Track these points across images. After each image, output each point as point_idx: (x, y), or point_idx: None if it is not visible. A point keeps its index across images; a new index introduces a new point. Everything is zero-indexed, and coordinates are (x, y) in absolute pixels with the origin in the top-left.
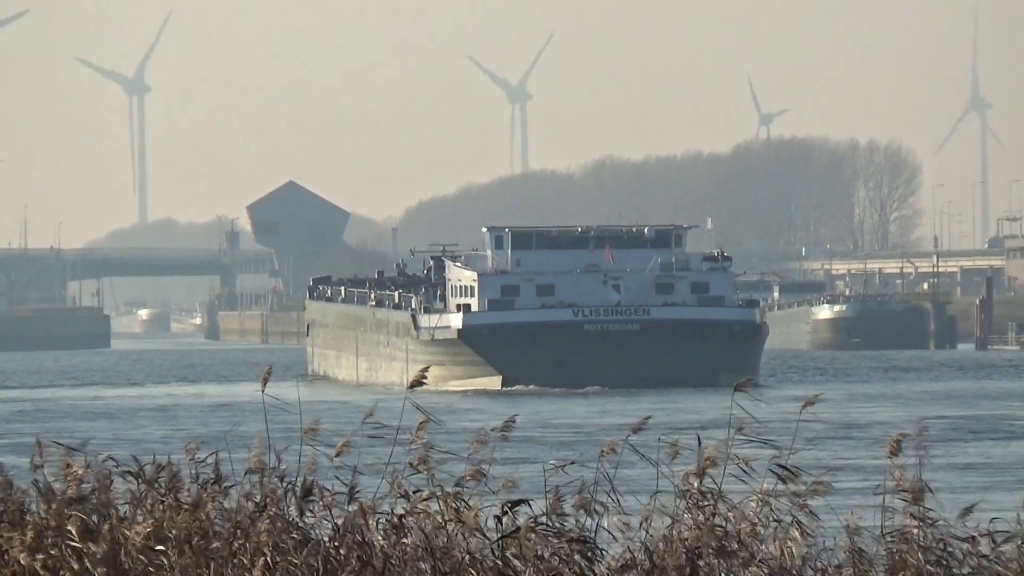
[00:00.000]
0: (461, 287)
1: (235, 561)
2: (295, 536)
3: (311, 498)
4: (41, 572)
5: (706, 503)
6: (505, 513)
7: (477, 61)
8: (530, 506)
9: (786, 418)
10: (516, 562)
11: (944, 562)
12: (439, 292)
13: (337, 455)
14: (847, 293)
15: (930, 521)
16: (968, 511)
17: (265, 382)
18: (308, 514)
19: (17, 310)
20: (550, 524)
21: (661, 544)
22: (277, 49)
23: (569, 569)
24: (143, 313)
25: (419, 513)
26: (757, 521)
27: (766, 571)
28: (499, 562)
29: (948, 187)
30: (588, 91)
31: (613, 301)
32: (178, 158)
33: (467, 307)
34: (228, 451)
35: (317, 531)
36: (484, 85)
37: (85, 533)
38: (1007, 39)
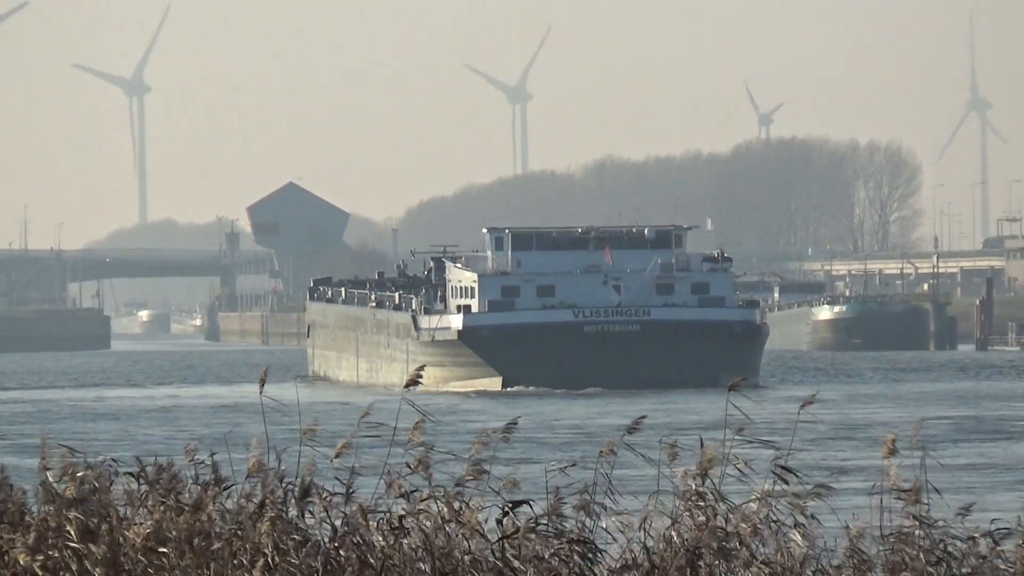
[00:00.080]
0: (461, 288)
1: (235, 562)
2: (295, 537)
3: (309, 499)
4: (41, 573)
5: (705, 504)
6: (506, 514)
7: (475, 68)
8: (531, 507)
9: (788, 418)
10: (516, 563)
11: (944, 562)
12: (439, 293)
13: (336, 456)
14: (847, 294)
15: (930, 521)
16: (968, 511)
17: (263, 383)
18: (308, 515)
19: (17, 311)
20: (550, 525)
21: (661, 544)
22: (277, 49)
23: (569, 570)
24: (143, 314)
25: (419, 513)
26: (757, 521)
27: (766, 572)
28: (499, 563)
29: (948, 187)
30: (588, 91)
31: (613, 302)
32: (178, 158)
33: (467, 308)
34: (228, 452)
35: (317, 532)
36: (484, 86)
37: (85, 534)
38: (1006, 39)
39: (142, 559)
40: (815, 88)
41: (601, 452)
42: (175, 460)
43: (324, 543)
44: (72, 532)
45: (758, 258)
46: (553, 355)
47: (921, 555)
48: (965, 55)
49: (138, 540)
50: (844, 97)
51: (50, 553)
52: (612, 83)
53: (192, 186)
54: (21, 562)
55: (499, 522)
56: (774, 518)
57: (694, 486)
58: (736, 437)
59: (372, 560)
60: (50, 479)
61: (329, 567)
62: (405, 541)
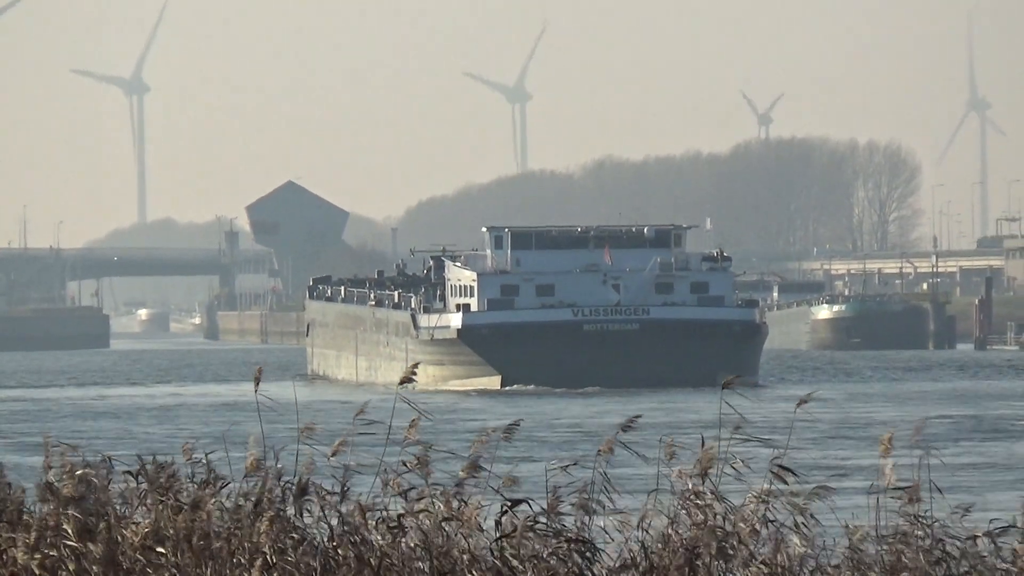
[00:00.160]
0: (461, 287)
1: (234, 561)
2: (294, 536)
3: (307, 497)
4: (39, 572)
5: (703, 503)
6: (505, 512)
7: (474, 74)
8: (530, 505)
9: (788, 417)
10: (515, 562)
11: (943, 562)
12: (439, 292)
13: (333, 454)
14: (846, 293)
15: (929, 521)
16: (967, 511)
17: (257, 382)
18: (306, 514)
19: (16, 310)
20: (548, 524)
21: (659, 544)
22: (277, 49)
23: (567, 569)
24: (142, 313)
25: (417, 513)
26: (756, 521)
27: (765, 572)
28: (498, 562)
29: (947, 187)
30: (587, 91)
31: (613, 301)
32: (178, 158)
33: (467, 307)
34: (226, 451)
35: (316, 530)
36: (483, 89)
37: (83, 532)
38: (1005, 39)
39: (140, 558)
40: (815, 88)
41: (599, 451)
42: (175, 459)
43: (323, 542)
44: (70, 531)
45: (757, 258)
46: (552, 354)
47: (921, 555)
48: (964, 55)
49: (136, 539)
50: (843, 97)
51: (48, 552)
52: (611, 83)
53: (191, 185)
54: (19, 560)
55: (497, 522)
56: (772, 518)
57: (691, 485)
58: (733, 436)
59: (371, 559)
60: (52, 479)
61: (327, 566)
62: (403, 540)
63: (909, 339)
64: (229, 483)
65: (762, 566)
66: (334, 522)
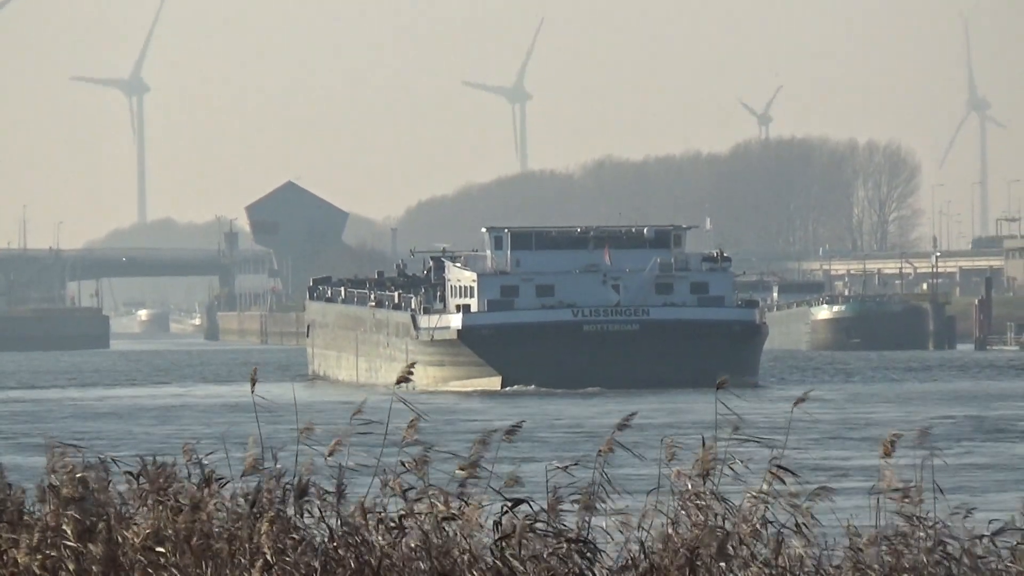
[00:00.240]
0: (461, 287)
1: (234, 561)
2: (293, 537)
3: (307, 498)
4: (39, 572)
5: (703, 503)
6: (505, 513)
7: (473, 82)
8: (530, 505)
9: (790, 417)
10: (515, 562)
11: (944, 563)
12: (439, 292)
13: (330, 454)
14: (846, 293)
15: (929, 522)
16: (968, 511)
17: (253, 383)
18: (307, 514)
19: (16, 310)
20: (549, 524)
21: (660, 544)
22: (277, 49)
23: (568, 569)
24: (142, 313)
25: (418, 513)
26: (756, 521)
27: (766, 572)
28: (498, 562)
29: (947, 187)
30: (587, 91)
31: (612, 301)
32: (177, 158)
33: (467, 307)
34: (226, 451)
35: (316, 531)
36: (484, 84)
37: (83, 533)
38: (1003, 38)
39: (141, 558)
40: (815, 88)
41: (600, 451)
42: (176, 459)
43: (324, 542)
44: (70, 532)
45: (757, 258)
46: (552, 355)
47: (922, 556)
48: (963, 55)
49: (137, 540)
50: (843, 97)
51: (49, 552)
52: (611, 83)
53: (191, 185)
54: (20, 561)
55: (497, 523)
56: (772, 519)
57: (691, 486)
58: (732, 437)
59: (371, 559)
60: (54, 480)
61: (327, 567)
62: (403, 540)
63: (909, 339)
64: (228, 482)
65: (762, 567)
66: (334, 523)
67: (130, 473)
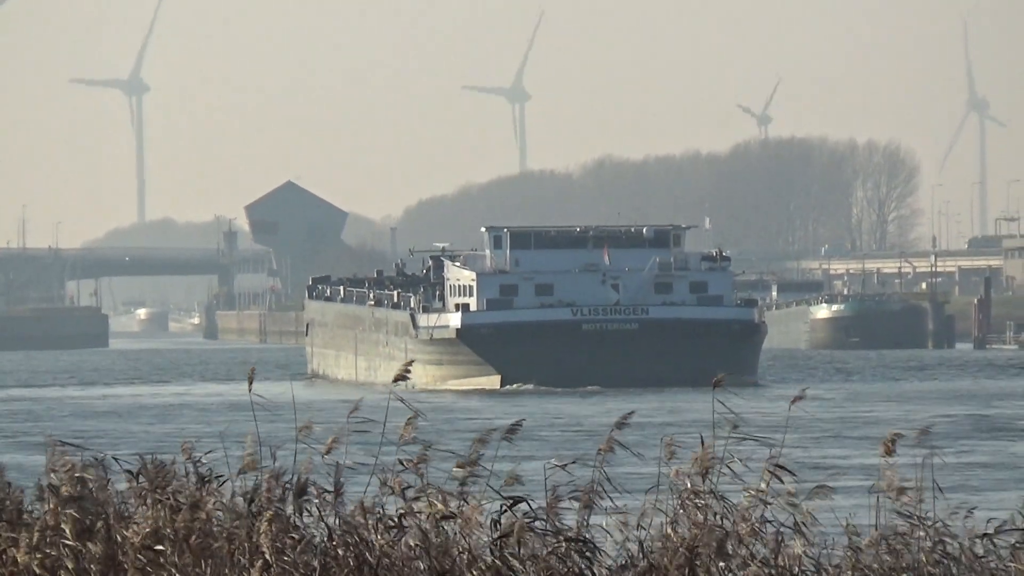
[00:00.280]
0: (460, 287)
1: (233, 560)
2: (293, 536)
3: (307, 497)
4: (38, 571)
5: (702, 502)
6: (504, 511)
7: (472, 85)
8: (529, 504)
9: (787, 416)
10: (515, 561)
11: (943, 562)
12: (438, 292)
13: (327, 452)
14: (845, 293)
15: (929, 521)
16: (968, 511)
17: (251, 381)
18: (306, 513)
19: (15, 310)
20: (548, 523)
21: (659, 544)
22: (277, 49)
23: (567, 568)
24: (141, 313)
25: (417, 512)
26: (754, 521)
27: (765, 572)
28: (497, 561)
29: (947, 187)
30: (586, 91)
31: (612, 301)
32: (177, 158)
33: (466, 307)
34: (224, 450)
35: (316, 530)
36: (483, 87)
37: (82, 532)
38: (1002, 38)
39: (140, 557)
40: (814, 88)
41: (600, 449)
42: (175, 458)
43: (323, 541)
44: (68, 531)
45: (757, 257)
46: (551, 354)
47: (922, 555)
48: (963, 55)
49: (136, 539)
50: (843, 97)
51: (48, 551)
52: (611, 83)
53: (191, 185)
54: (20, 560)
55: (496, 521)
56: (770, 518)
57: (690, 485)
58: (730, 436)
59: (370, 558)
60: (54, 480)
61: (327, 566)
62: (402, 540)
63: (908, 339)
64: (226, 481)
65: (761, 566)
66: (333, 521)
67: (130, 472)
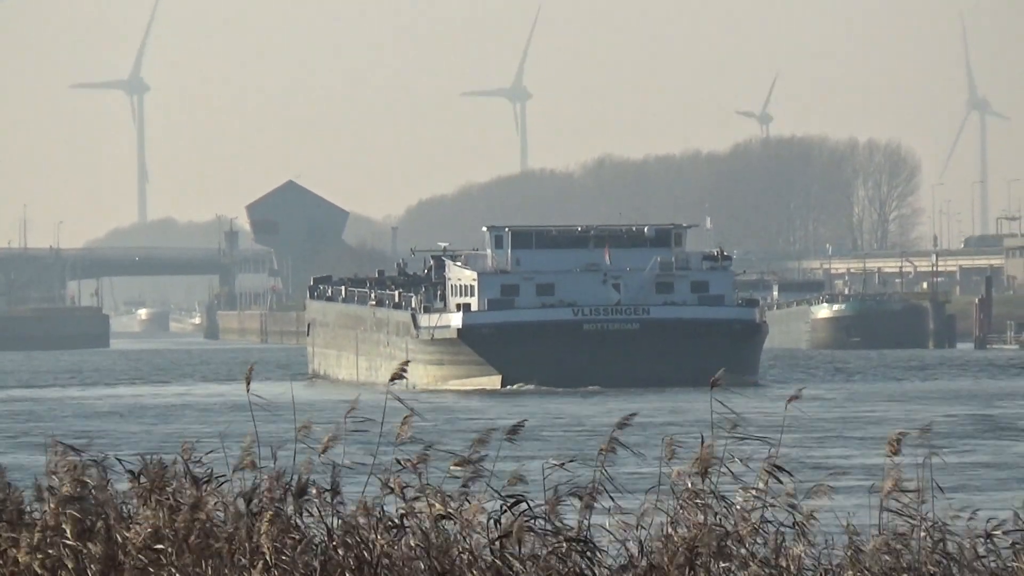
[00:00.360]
0: (461, 286)
1: (233, 560)
2: (293, 536)
3: (307, 497)
4: (39, 571)
5: (703, 502)
6: (504, 511)
7: (472, 90)
8: (529, 504)
9: (792, 417)
10: (515, 561)
11: (943, 562)
12: (439, 291)
13: (323, 451)
14: (846, 292)
15: (930, 521)
16: (969, 510)
17: (249, 381)
18: (306, 513)
19: (16, 310)
20: (548, 522)
21: (659, 543)
22: (277, 49)
23: (567, 568)
24: (142, 313)
25: (418, 512)
26: (753, 520)
27: (765, 572)
28: (498, 561)
29: (948, 186)
30: (587, 90)
31: (613, 300)
32: (178, 157)
33: (467, 306)
34: (223, 450)
35: (315, 530)
36: (482, 86)
37: (82, 532)
38: (1001, 37)
39: (141, 557)
40: (815, 87)
41: (601, 449)
42: (175, 458)
43: (324, 541)
44: (69, 531)
45: (757, 257)
46: (552, 353)
47: (922, 555)
48: (962, 54)
49: (138, 539)
50: (843, 96)
51: (48, 551)
52: (611, 82)
53: (192, 185)
54: (20, 560)
55: (496, 521)
56: (770, 518)
57: (691, 484)
58: (730, 435)
59: (371, 559)
60: (54, 481)
61: (327, 566)
62: (403, 540)
63: (909, 338)
64: (225, 482)
65: (761, 565)
66: (332, 522)
67: (131, 472)
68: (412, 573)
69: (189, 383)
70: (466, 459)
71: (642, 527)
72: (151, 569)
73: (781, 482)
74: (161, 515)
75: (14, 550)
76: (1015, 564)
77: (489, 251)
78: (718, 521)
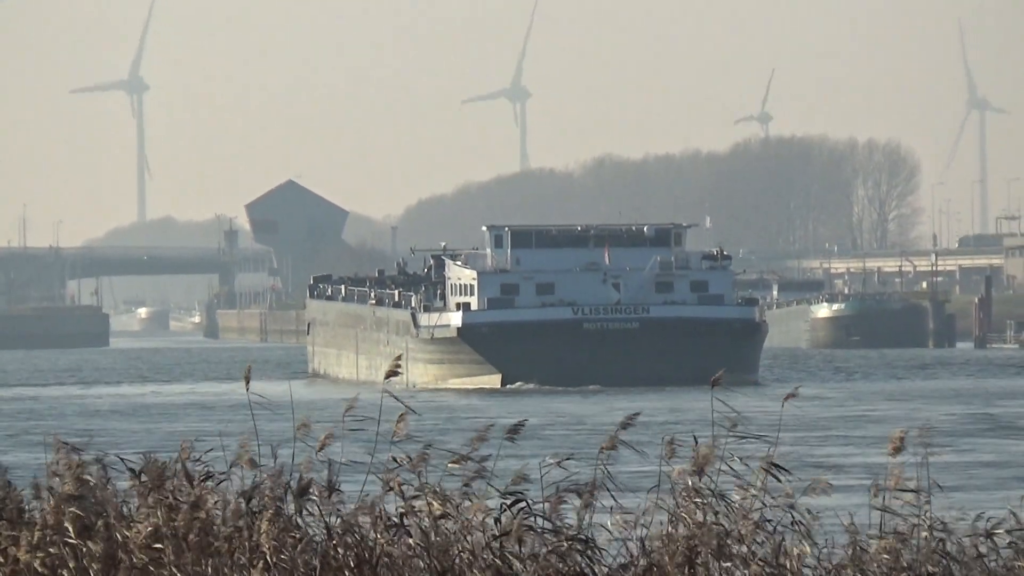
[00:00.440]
0: (461, 285)
1: (234, 559)
2: (294, 535)
3: (309, 497)
4: (40, 569)
5: (703, 501)
6: (503, 510)
7: (472, 97)
8: (529, 504)
9: (793, 416)
10: (515, 560)
11: (943, 562)
12: (439, 291)
13: (320, 449)
14: (846, 292)
15: (930, 521)
16: (969, 510)
17: (247, 380)
18: (306, 511)
19: (16, 309)
20: (549, 521)
21: (659, 543)
22: (278, 48)
23: (567, 567)
24: (142, 312)
25: (418, 511)
26: (753, 519)
27: (766, 571)
28: (498, 560)
29: (947, 186)
30: (587, 90)
31: (613, 300)
32: (178, 157)
33: (467, 305)
34: (222, 449)
35: (315, 529)
36: (484, 85)
37: (82, 531)
38: (1000, 36)
39: (142, 556)
40: (815, 87)
41: (601, 448)
42: (174, 457)
43: (323, 540)
44: (71, 529)
45: (757, 256)
46: (552, 353)
47: (922, 554)
48: (961, 54)
49: (139, 538)
50: (843, 96)
51: (49, 550)
52: (611, 81)
53: (191, 184)
54: (21, 559)
55: (496, 520)
56: (769, 517)
57: (691, 483)
58: (729, 433)
59: (371, 558)
60: (55, 480)
61: (327, 565)
62: (402, 539)
63: (909, 337)
64: (223, 480)
65: (762, 564)
66: (331, 520)
67: (132, 471)
68: (412, 572)
69: (189, 382)
70: (464, 456)
71: (642, 526)
72: (151, 568)
73: (780, 480)
74: (160, 514)
75: (14, 548)
76: (1017, 564)
77: (489, 250)
78: (717, 520)
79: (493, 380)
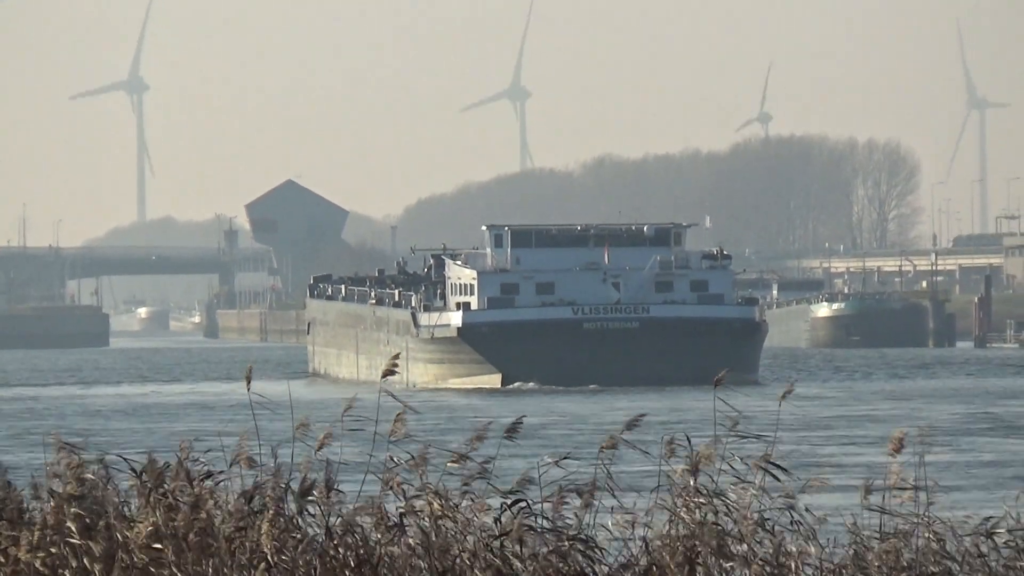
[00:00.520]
0: (461, 285)
1: (234, 559)
2: (295, 535)
3: (311, 497)
4: (40, 569)
5: (703, 501)
6: (504, 511)
7: (471, 103)
8: (529, 503)
9: (794, 415)
10: (515, 560)
11: (943, 561)
12: (439, 290)
13: (319, 448)
14: (846, 291)
15: (930, 520)
16: (969, 510)
17: (248, 380)
18: (307, 512)
19: (16, 308)
20: (549, 521)
21: (659, 542)
22: (277, 48)
23: (568, 567)
24: (142, 311)
25: (418, 511)
26: (752, 518)
27: (766, 571)
28: (498, 560)
29: (947, 185)
30: (587, 89)
31: (613, 299)
32: (177, 157)
33: (467, 305)
34: (222, 448)
35: (316, 529)
36: (483, 84)
37: (83, 531)
38: (1002, 36)
39: (143, 556)
40: (814, 87)
41: (601, 447)
42: (175, 457)
43: (323, 540)
44: (73, 528)
45: (757, 256)
46: (552, 352)
47: (922, 554)
48: (960, 54)
49: (140, 538)
50: (843, 96)
51: (50, 550)
52: (611, 81)
53: (191, 184)
54: (22, 558)
55: (496, 519)
56: (768, 516)
57: (692, 483)
58: (729, 433)
59: (371, 558)
60: (56, 481)
61: (327, 564)
62: (403, 539)
63: (909, 337)
64: (223, 479)
65: (762, 564)
66: (332, 520)
67: (133, 471)
68: (412, 572)
69: (189, 382)
70: (462, 455)
71: (643, 525)
72: (152, 568)
73: (779, 479)
74: (159, 513)
75: (15, 548)
76: (1018, 563)
77: (489, 250)
78: (717, 519)
79: (493, 380)
